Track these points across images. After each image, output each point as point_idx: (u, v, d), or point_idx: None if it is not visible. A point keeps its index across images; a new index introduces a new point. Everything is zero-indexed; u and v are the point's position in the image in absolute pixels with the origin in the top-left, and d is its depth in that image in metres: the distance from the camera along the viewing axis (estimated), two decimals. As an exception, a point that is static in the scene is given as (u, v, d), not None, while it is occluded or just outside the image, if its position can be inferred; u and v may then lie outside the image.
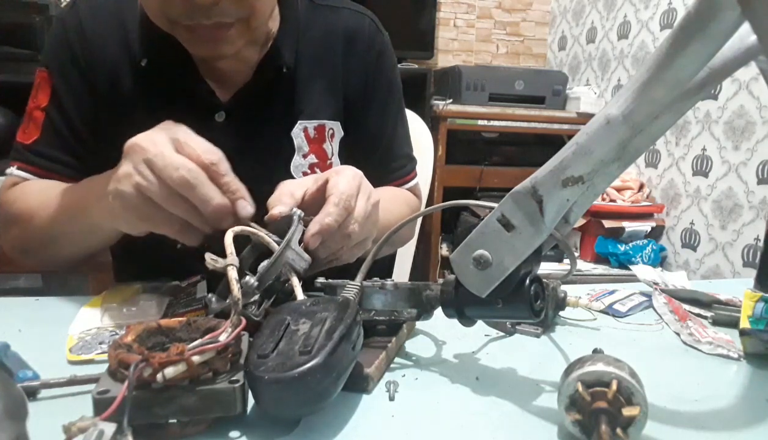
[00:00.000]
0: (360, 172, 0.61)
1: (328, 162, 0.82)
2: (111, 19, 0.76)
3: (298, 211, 0.55)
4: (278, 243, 0.52)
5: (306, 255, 0.53)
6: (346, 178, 0.58)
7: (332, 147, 0.83)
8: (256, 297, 0.49)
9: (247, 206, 0.54)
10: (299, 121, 0.80)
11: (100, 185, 0.57)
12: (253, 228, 0.54)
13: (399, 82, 0.90)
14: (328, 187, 0.58)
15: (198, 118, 0.76)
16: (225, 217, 0.53)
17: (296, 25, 0.79)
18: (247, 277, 0.49)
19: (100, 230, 0.64)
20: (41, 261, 0.75)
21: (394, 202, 0.84)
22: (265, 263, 0.50)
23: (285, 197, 0.58)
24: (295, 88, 0.80)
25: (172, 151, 0.53)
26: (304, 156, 0.81)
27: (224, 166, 0.54)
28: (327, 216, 0.55)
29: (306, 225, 0.55)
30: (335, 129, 0.83)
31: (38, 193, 0.72)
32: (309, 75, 0.80)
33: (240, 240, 0.52)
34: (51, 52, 0.77)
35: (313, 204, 0.58)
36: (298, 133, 0.80)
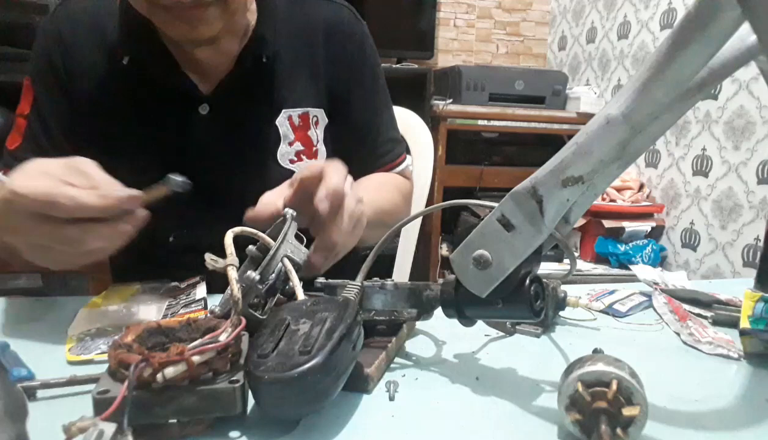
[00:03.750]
0: (342, 166, 0.60)
1: (314, 149, 0.83)
2: (89, 24, 0.77)
3: (291, 211, 0.55)
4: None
5: (304, 248, 0.54)
6: (334, 169, 0.58)
7: (317, 134, 0.84)
8: (261, 293, 0.49)
9: (133, 200, 0.51)
10: (283, 110, 0.81)
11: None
12: (252, 229, 0.54)
13: (380, 68, 0.91)
14: (317, 189, 0.56)
15: (182, 111, 0.77)
16: (98, 202, 0.49)
17: (274, 16, 0.80)
18: (249, 272, 0.49)
19: None
20: (16, 262, 0.75)
21: (384, 189, 0.85)
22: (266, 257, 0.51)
23: (277, 191, 0.58)
24: (277, 77, 0.80)
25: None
26: (290, 144, 0.81)
27: (84, 177, 0.50)
28: (320, 201, 0.54)
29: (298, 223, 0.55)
30: (319, 116, 0.84)
31: None
32: (290, 64, 0.81)
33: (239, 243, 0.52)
34: (33, 62, 0.79)
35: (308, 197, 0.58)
36: (282, 122, 0.81)
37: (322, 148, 0.84)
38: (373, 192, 0.76)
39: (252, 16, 0.78)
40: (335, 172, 0.57)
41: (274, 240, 0.53)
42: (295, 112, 0.81)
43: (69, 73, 0.77)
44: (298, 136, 0.82)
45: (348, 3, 0.88)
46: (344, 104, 0.85)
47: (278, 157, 0.81)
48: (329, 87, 0.84)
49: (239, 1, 0.68)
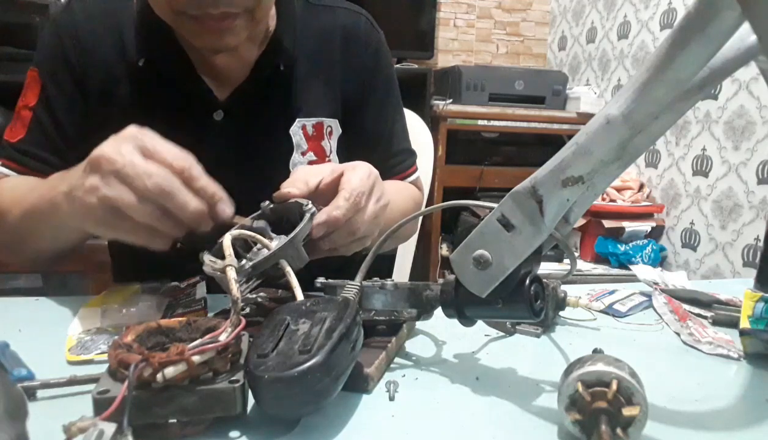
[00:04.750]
0: (375, 171, 0.62)
1: (327, 159, 0.83)
2: (105, 21, 0.76)
3: (313, 209, 0.55)
4: (285, 234, 0.53)
5: (305, 255, 0.53)
6: (360, 176, 0.59)
7: (330, 144, 0.83)
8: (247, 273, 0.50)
9: (226, 209, 0.54)
10: (297, 119, 0.80)
11: (69, 183, 0.56)
12: (249, 231, 0.54)
13: (395, 78, 0.91)
14: (342, 181, 0.58)
15: (196, 117, 0.76)
16: (203, 220, 0.52)
17: (293, 24, 0.80)
18: (243, 261, 0.49)
19: (69, 229, 0.62)
20: (16, 259, 0.75)
21: (399, 196, 0.84)
22: (264, 254, 0.51)
23: (299, 183, 0.58)
24: (293, 86, 0.80)
25: (142, 159, 0.51)
26: (303, 153, 0.81)
27: (197, 170, 0.53)
28: (336, 209, 0.55)
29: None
30: (333, 126, 0.83)
31: (11, 190, 0.71)
32: (306, 73, 0.81)
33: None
34: (42, 53, 0.77)
35: (325, 193, 0.58)
36: (296, 131, 0.80)
37: (335, 159, 0.84)
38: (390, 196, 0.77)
39: (272, 22, 0.78)
40: (357, 177, 0.58)
41: (281, 220, 0.53)
42: (310, 122, 0.81)
43: (83, 69, 0.76)
44: (312, 146, 0.81)
45: (365, 11, 0.87)
46: (357, 114, 0.85)
47: (290, 167, 0.80)
48: (344, 95, 0.84)
49: (265, 10, 0.68)
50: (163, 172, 0.51)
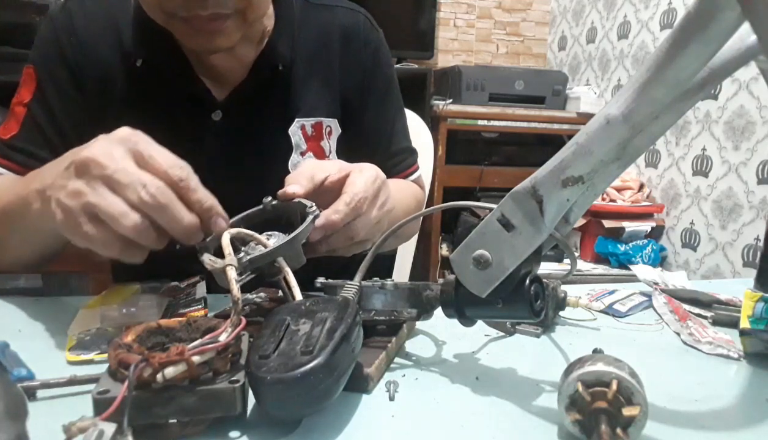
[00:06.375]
0: (382, 175, 0.61)
1: (326, 159, 0.83)
2: (103, 20, 0.76)
3: (317, 211, 0.54)
4: (283, 231, 0.53)
5: (303, 258, 0.53)
6: (366, 179, 0.58)
7: (330, 144, 0.83)
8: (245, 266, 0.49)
9: (222, 223, 0.51)
10: (296, 119, 0.80)
11: (42, 180, 0.53)
12: (248, 231, 0.54)
13: (395, 77, 0.90)
14: (346, 183, 0.58)
15: (195, 117, 0.76)
16: (195, 235, 0.49)
17: (291, 24, 0.79)
18: (242, 254, 0.48)
19: (44, 231, 0.60)
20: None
21: (401, 195, 0.84)
22: (262, 250, 0.50)
23: (303, 179, 0.57)
24: (292, 86, 0.80)
25: (135, 166, 0.47)
26: (302, 154, 0.81)
27: (194, 181, 0.49)
28: (335, 213, 0.55)
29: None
30: (333, 126, 0.83)
31: None
32: (305, 73, 0.81)
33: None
34: (39, 50, 0.76)
35: (330, 191, 0.58)
36: (295, 131, 0.80)
37: (334, 159, 0.84)
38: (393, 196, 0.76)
39: (269, 21, 0.78)
40: (361, 181, 0.57)
41: (280, 218, 0.53)
42: (309, 122, 0.81)
43: (80, 66, 0.75)
44: (311, 146, 0.81)
45: (364, 10, 0.87)
46: (356, 113, 0.85)
47: (289, 167, 0.80)
48: (343, 95, 0.83)
49: (257, 11, 0.68)
50: (158, 183, 0.47)
